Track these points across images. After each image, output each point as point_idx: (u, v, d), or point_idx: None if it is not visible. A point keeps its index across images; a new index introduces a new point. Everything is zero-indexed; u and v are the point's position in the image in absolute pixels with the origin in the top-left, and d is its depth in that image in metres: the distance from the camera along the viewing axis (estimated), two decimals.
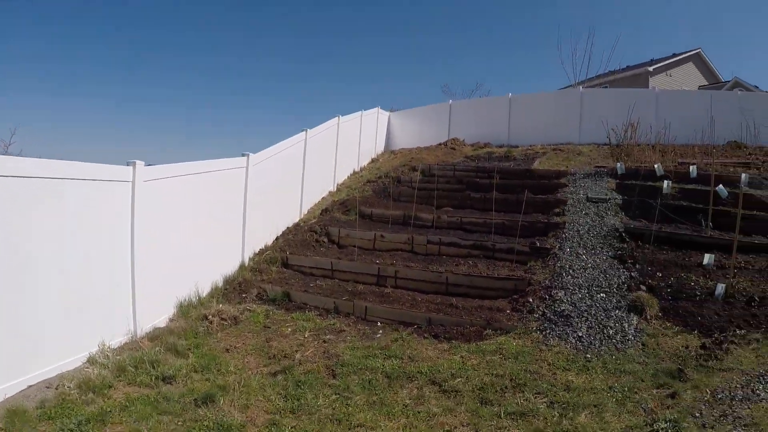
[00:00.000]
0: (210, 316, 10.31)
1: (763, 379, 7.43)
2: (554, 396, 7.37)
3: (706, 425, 6.56)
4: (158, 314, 10.08)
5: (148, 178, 9.54)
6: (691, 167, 15.90)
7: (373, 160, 24.97)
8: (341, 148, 20.48)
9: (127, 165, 9.15)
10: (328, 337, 9.61)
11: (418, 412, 7.08)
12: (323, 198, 18.70)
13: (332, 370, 8.21)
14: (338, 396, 7.47)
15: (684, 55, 44.61)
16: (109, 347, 8.60)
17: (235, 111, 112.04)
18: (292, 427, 6.67)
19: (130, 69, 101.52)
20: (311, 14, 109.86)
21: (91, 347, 8.37)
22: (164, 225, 10.14)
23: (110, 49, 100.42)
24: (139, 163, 9.27)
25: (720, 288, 10.11)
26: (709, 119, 19.43)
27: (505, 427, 6.72)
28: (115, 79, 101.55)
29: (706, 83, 44.56)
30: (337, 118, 20.22)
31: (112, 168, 8.91)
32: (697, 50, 45.55)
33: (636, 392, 7.43)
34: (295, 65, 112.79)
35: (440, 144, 25.81)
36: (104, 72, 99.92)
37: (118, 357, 8.24)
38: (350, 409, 7.13)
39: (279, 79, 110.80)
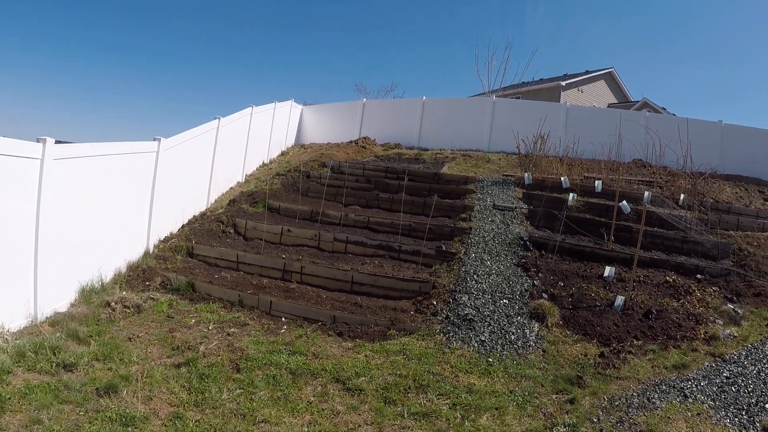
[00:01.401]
0: (113, 303, 10.03)
1: (659, 388, 7.78)
2: (456, 398, 7.45)
3: (604, 430, 6.78)
4: (60, 299, 9.72)
5: (58, 156, 9.22)
6: (596, 182, 16.30)
7: (283, 153, 24.74)
8: (252, 138, 20.19)
9: (37, 142, 8.82)
10: (232, 330, 9.46)
11: (323, 410, 7.06)
12: (231, 188, 18.41)
13: (236, 364, 8.10)
14: (242, 390, 7.38)
15: (597, 73, 45.48)
16: (8, 331, 8.28)
17: (148, 95, 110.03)
18: (195, 421, 6.55)
19: (38, 47, 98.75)
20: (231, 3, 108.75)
21: None
22: (71, 206, 9.82)
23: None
24: (49, 140, 8.94)
25: (619, 300, 10.40)
26: (617, 137, 19.87)
27: (408, 427, 6.76)
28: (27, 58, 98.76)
29: (616, 101, 45.69)
30: (250, 108, 19.95)
31: (20, 144, 8.55)
32: (610, 69, 46.57)
33: (536, 397, 7.62)
34: (211, 51, 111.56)
35: (351, 142, 25.69)
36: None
37: (18, 341, 7.93)
38: (254, 404, 7.05)
39: (193, 65, 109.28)
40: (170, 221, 13.95)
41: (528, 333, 9.52)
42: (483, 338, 9.35)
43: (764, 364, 8.44)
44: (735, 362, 8.54)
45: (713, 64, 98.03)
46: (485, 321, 9.86)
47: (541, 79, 44.05)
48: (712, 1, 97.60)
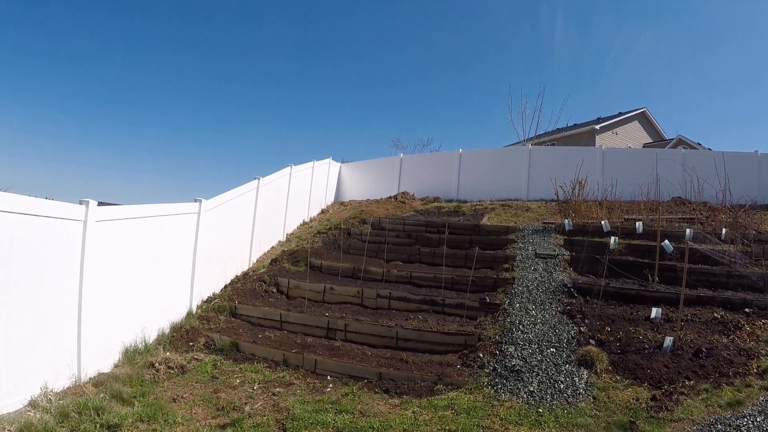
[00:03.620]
0: (157, 364, 10.12)
1: (714, 428, 7.60)
2: None
3: None
4: (103, 359, 9.86)
5: (101, 218, 9.48)
6: (637, 223, 16.16)
7: (323, 211, 24.98)
8: (292, 197, 20.46)
9: (80, 204, 9.09)
10: (277, 389, 9.44)
11: None
12: (273, 248, 18.58)
13: (282, 424, 8.02)
14: None
15: (629, 114, 45.81)
16: (51, 391, 8.37)
17: (185, 157, 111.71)
18: None
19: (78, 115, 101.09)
20: (263, 65, 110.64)
21: (33, 390, 8.13)
22: (113, 267, 10.02)
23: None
24: (92, 203, 9.21)
25: (668, 341, 10.24)
26: (654, 176, 19.82)
27: None
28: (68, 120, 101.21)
29: (651, 141, 45.77)
30: (289, 167, 20.26)
31: (63, 205, 8.84)
32: (643, 109, 46.79)
33: None
34: (246, 111, 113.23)
35: (390, 197, 25.92)
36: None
37: (61, 401, 8.00)
38: None
39: (229, 128, 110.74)
40: (212, 281, 14.12)
41: (577, 381, 9.36)
42: (532, 389, 9.21)
43: None
44: None
45: (743, 91, 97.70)
46: (533, 371, 9.74)
47: (575, 124, 44.30)
48: (734, 29, 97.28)
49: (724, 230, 15.92)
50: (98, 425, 7.49)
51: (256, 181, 16.86)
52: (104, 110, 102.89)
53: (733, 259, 13.94)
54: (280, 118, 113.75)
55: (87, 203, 9.12)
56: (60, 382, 8.71)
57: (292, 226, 20.94)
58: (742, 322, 11.19)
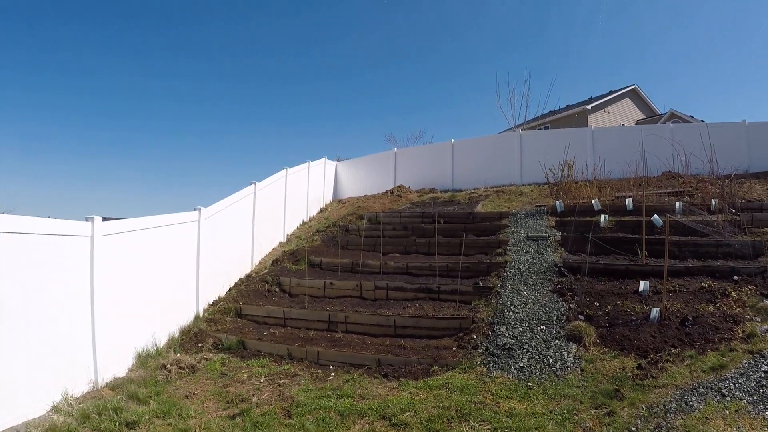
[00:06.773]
0: (168, 365, 10.60)
1: (696, 391, 7.86)
2: (498, 422, 7.63)
3: None
4: (118, 364, 10.35)
5: (106, 232, 9.97)
6: (627, 200, 16.44)
7: (321, 210, 25.26)
8: (290, 199, 20.76)
9: (86, 220, 9.60)
10: (282, 381, 9.86)
11: None
12: (274, 249, 18.91)
13: (288, 410, 8.44)
14: None
15: (620, 92, 45.92)
16: (72, 396, 8.90)
17: (180, 165, 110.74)
18: None
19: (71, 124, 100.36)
20: (246, 66, 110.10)
21: (55, 396, 8.65)
22: (122, 278, 10.50)
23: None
24: (97, 219, 9.71)
25: (654, 312, 10.52)
26: (642, 153, 20.01)
27: None
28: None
29: (644, 117, 45.81)
30: (284, 170, 20.57)
31: (70, 223, 9.32)
32: (633, 86, 46.89)
33: (575, 413, 7.76)
34: (241, 111, 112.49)
35: (386, 191, 26.17)
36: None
37: (82, 405, 8.50)
38: None
39: (221, 133, 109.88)
40: (217, 285, 14.53)
41: (566, 355, 9.72)
42: (522, 364, 9.59)
43: None
44: None
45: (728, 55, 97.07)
46: (523, 348, 10.11)
47: (567, 106, 44.52)
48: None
49: (713, 201, 16.03)
50: (117, 423, 7.97)
51: (253, 186, 17.22)
52: (99, 121, 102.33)
53: (719, 230, 14.17)
54: (277, 116, 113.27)
55: (93, 219, 9.64)
56: (79, 387, 9.24)
57: (291, 226, 21.25)
58: (730, 290, 11.32)
